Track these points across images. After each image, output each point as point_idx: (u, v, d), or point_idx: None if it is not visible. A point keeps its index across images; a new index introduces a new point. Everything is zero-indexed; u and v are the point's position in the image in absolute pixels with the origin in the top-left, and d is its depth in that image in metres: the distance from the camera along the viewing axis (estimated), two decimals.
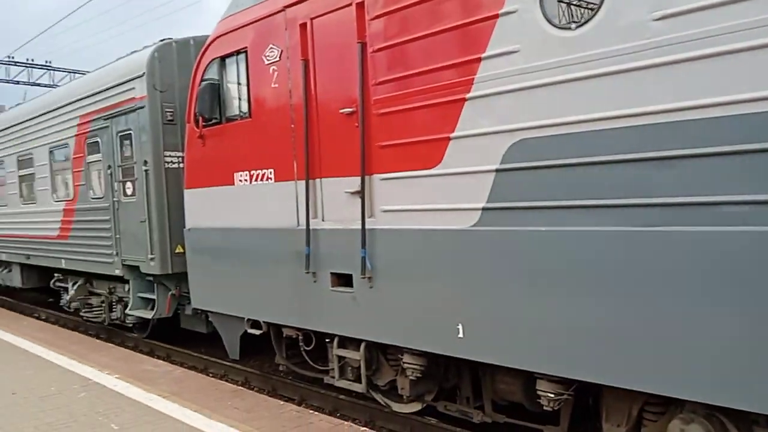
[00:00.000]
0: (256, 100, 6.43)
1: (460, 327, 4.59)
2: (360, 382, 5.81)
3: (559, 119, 3.97)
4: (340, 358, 5.96)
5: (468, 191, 4.51)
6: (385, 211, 5.17)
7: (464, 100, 4.50)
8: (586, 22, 3.85)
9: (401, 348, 5.31)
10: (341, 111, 5.45)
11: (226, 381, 7.70)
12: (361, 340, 5.60)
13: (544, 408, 4.41)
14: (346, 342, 5.84)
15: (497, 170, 4.29)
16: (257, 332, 6.75)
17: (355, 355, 5.72)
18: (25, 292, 14.15)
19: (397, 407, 5.90)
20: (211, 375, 8.05)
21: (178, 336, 9.55)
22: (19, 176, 12.55)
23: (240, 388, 7.11)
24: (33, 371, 7.01)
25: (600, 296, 3.80)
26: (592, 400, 4.55)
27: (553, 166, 4.00)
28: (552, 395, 4.27)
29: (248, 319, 6.85)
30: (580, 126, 3.88)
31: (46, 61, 31.60)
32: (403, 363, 5.36)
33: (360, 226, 5.29)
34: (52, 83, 30.49)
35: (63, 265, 10.99)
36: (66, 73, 31.26)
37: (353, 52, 5.31)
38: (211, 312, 7.53)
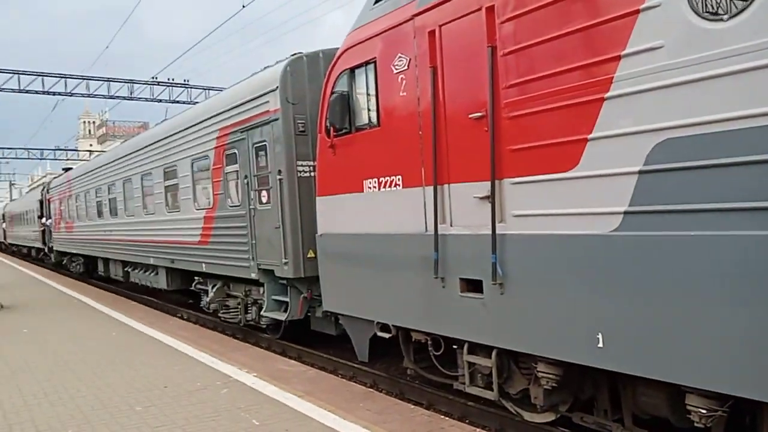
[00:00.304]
0: (385, 109, 6.57)
1: (599, 336, 4.41)
2: (491, 389, 5.74)
3: (709, 117, 3.72)
4: (471, 364, 5.93)
5: (608, 194, 4.33)
6: (517, 216, 5.09)
7: (603, 99, 4.34)
8: (740, 12, 3.59)
9: (535, 356, 5.19)
10: (470, 116, 5.44)
11: (355, 382, 7.89)
12: (492, 347, 5.54)
13: (695, 424, 4.13)
14: (476, 348, 5.80)
15: (640, 172, 4.09)
16: (387, 336, 6.87)
17: (486, 362, 5.66)
18: (170, 293, 15.31)
19: (528, 416, 5.76)
20: (340, 376, 8.28)
21: (308, 337, 9.92)
22: (165, 186, 13.61)
23: (370, 390, 7.27)
24: (180, 367, 7.55)
25: (764, 305, 3.50)
26: (749, 419, 4.21)
27: (704, 166, 3.76)
28: (704, 411, 3.99)
29: (378, 323, 6.99)
30: (733, 123, 3.62)
31: (185, 80, 34.13)
32: (537, 372, 5.23)
33: (490, 232, 5.24)
34: (189, 100, 32.89)
35: (203, 268, 11.77)
36: (201, 90, 33.58)
37: (483, 56, 5.29)
38: (342, 315, 7.76)
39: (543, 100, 4.80)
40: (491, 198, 5.22)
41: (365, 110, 6.98)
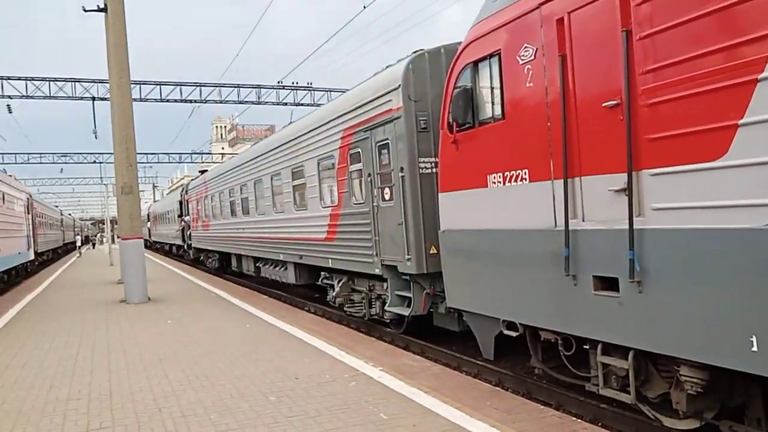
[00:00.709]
0: (510, 101, 6.42)
1: (753, 339, 4.04)
2: (627, 392, 5.44)
3: None
4: (605, 365, 5.65)
5: (762, 184, 3.96)
6: (657, 209, 4.78)
7: (756, 81, 3.97)
8: None
9: (677, 359, 4.85)
10: (603, 105, 5.18)
11: (480, 380, 7.79)
12: (628, 348, 5.25)
13: None
14: (611, 349, 5.52)
15: None
16: (513, 334, 6.72)
17: (623, 364, 5.37)
18: (298, 288, 15.94)
19: (669, 423, 5.40)
20: (464, 373, 8.22)
21: (431, 333, 9.94)
22: (293, 186, 14.17)
23: (497, 388, 7.14)
24: (310, 359, 7.81)
25: None
26: None
27: None
28: None
29: (503, 320, 6.85)
30: None
31: (308, 83, 35.36)
32: (680, 375, 4.89)
33: (627, 227, 4.96)
34: (313, 102, 34.08)
35: (329, 264, 12.14)
36: (324, 92, 34.67)
37: (616, 41, 5.02)
38: (466, 311, 7.69)
39: (685, 84, 4.47)
40: (628, 191, 4.94)
41: (489, 104, 6.86)
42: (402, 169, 9.07)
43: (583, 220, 5.54)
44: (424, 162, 8.96)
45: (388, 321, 10.50)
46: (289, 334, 9.59)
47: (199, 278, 20.61)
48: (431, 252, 8.77)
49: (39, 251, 33.38)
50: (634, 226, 4.91)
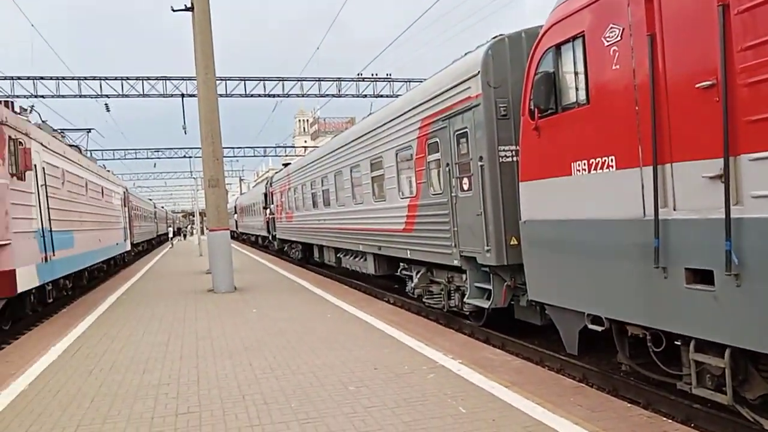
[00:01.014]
0: (595, 85, 6.13)
1: None
2: (723, 392, 5.10)
3: None
4: (698, 363, 5.32)
5: None
6: (757, 197, 4.43)
7: None
8: None
9: None
10: (697, 86, 4.85)
11: (563, 375, 7.55)
12: (725, 346, 4.91)
13: None
14: (704, 346, 5.19)
15: None
16: (598, 329, 6.45)
17: (718, 362, 5.04)
18: (377, 278, 16.04)
19: None
20: (546, 368, 7.99)
21: (512, 326, 9.73)
22: (372, 177, 14.24)
23: (581, 384, 6.89)
24: (389, 350, 7.81)
25: None
26: None
27: None
28: None
29: (588, 314, 6.59)
30: None
31: (388, 74, 35.45)
32: None
33: (723, 216, 4.63)
34: (392, 93, 34.14)
35: (408, 255, 12.12)
36: (403, 83, 34.65)
37: (711, 17, 4.68)
38: (548, 305, 7.46)
39: None
40: (724, 177, 4.60)
41: (572, 88, 6.59)
42: (481, 158, 8.89)
43: (675, 209, 5.22)
44: (504, 150, 8.75)
45: (467, 313, 10.37)
46: (368, 324, 9.65)
47: (283, 268, 21.14)
48: (512, 243, 8.56)
49: (135, 242, 35.28)
50: (732, 215, 4.57)
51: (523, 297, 8.56)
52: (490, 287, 9.14)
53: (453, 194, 9.88)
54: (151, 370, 7.43)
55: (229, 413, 5.67)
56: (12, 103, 14.59)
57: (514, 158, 8.54)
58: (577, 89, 6.50)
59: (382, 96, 34.96)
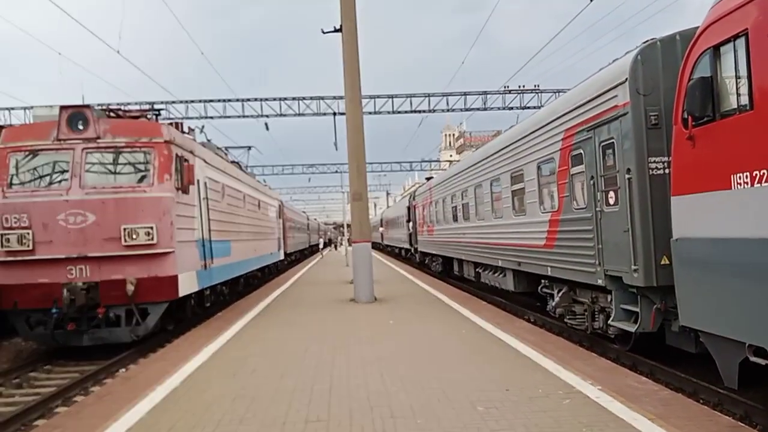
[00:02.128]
0: (760, 89, 5.47)
1: None
2: None
3: None
4: None
5: None
6: None
7: None
8: None
9: None
10: None
11: (720, 411, 6.76)
12: None
13: None
14: None
15: None
16: (762, 362, 5.71)
17: None
18: (516, 295, 15.55)
19: None
20: (701, 401, 7.21)
21: (663, 352, 8.95)
22: (512, 191, 13.88)
23: (740, 424, 6.12)
24: (523, 371, 7.48)
25: None
26: None
27: None
28: None
29: (749, 345, 5.86)
30: None
31: (535, 86, 34.59)
32: None
33: None
34: (539, 105, 33.21)
35: (548, 272, 11.62)
36: (551, 94, 33.59)
37: None
38: (702, 332, 6.74)
39: None
40: None
41: (733, 93, 5.95)
42: (629, 170, 8.31)
43: None
44: (654, 162, 8.11)
45: (612, 336, 9.69)
46: (503, 342, 9.34)
47: (423, 281, 21.21)
48: (662, 263, 7.89)
49: (288, 252, 37.30)
50: None
51: (675, 322, 7.82)
52: (638, 310, 8.47)
53: (598, 209, 9.32)
54: (288, 376, 7.70)
55: (356, 425, 5.70)
56: (181, 123, 16.01)
57: (666, 170, 7.88)
58: (738, 94, 5.86)
59: (528, 108, 34.15)
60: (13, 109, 33.72)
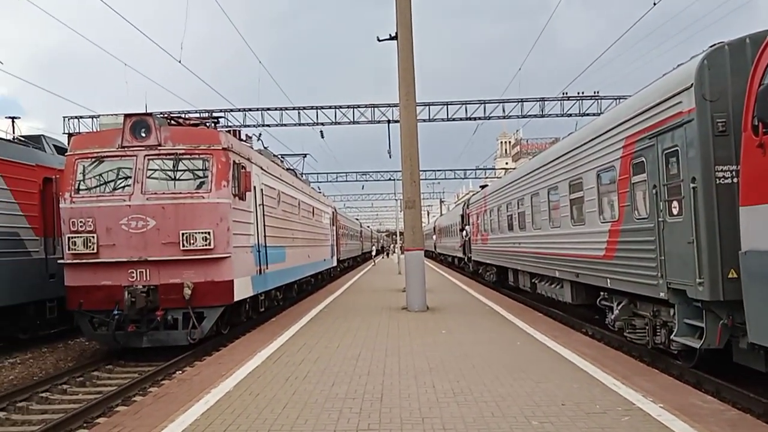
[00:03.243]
0: None
1: None
2: None
3: None
4: None
5: None
6: None
7: None
8: None
9: None
10: None
11: None
12: None
13: None
14: None
15: None
16: None
17: None
18: (574, 307, 15.16)
19: None
20: None
21: (730, 370, 8.52)
22: (570, 200, 13.55)
23: None
24: (579, 385, 7.25)
25: None
26: None
27: None
28: None
29: None
30: None
31: (595, 92, 33.90)
32: None
33: None
34: (599, 112, 32.50)
35: (608, 284, 11.26)
36: (612, 101, 32.82)
37: None
38: None
39: None
40: None
41: None
42: (694, 179, 7.98)
43: None
44: (721, 171, 7.76)
45: (675, 352, 9.30)
46: (560, 355, 9.09)
47: (476, 291, 20.95)
48: (730, 276, 7.52)
49: (341, 259, 37.55)
50: None
51: (743, 338, 7.44)
52: (703, 325, 8.09)
53: (660, 219, 8.99)
54: (339, 383, 7.70)
55: None
56: (239, 131, 16.37)
57: (734, 179, 7.53)
58: None
59: (588, 114, 33.49)
60: (81, 117, 35.30)
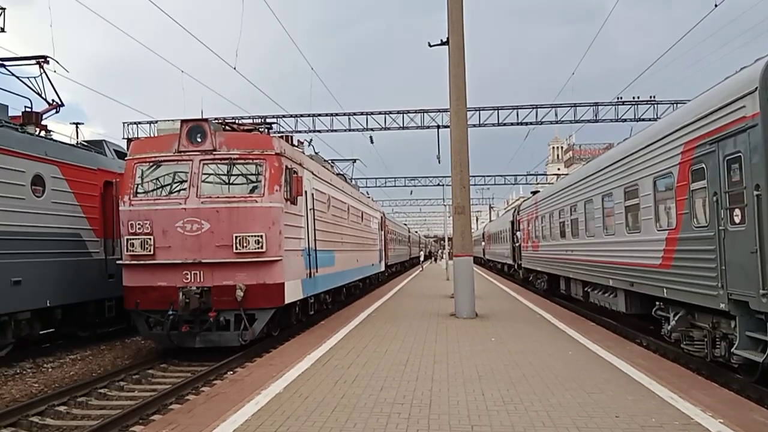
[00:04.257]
0: None
1: None
2: None
3: None
4: None
5: None
6: None
7: None
8: None
9: None
10: None
11: None
12: None
13: None
14: None
15: None
16: None
17: None
18: (628, 317, 14.76)
19: None
20: None
21: None
22: (625, 207, 13.22)
23: None
24: (634, 397, 7.05)
25: None
26: None
27: None
28: None
29: None
30: None
31: (651, 97, 33.02)
32: None
33: None
34: (655, 117, 31.63)
35: (664, 294, 10.93)
36: (668, 106, 31.91)
37: None
38: None
39: None
40: None
41: None
42: (758, 186, 7.69)
43: None
44: None
45: (736, 365, 8.94)
46: (613, 366, 8.86)
47: (526, 298, 20.65)
48: None
49: (389, 264, 37.59)
50: None
51: None
52: (766, 338, 7.76)
53: (721, 227, 8.67)
54: (388, 388, 7.70)
55: None
56: (291, 137, 16.59)
57: None
58: None
59: (643, 120, 32.63)
60: (140, 123, 36.47)
